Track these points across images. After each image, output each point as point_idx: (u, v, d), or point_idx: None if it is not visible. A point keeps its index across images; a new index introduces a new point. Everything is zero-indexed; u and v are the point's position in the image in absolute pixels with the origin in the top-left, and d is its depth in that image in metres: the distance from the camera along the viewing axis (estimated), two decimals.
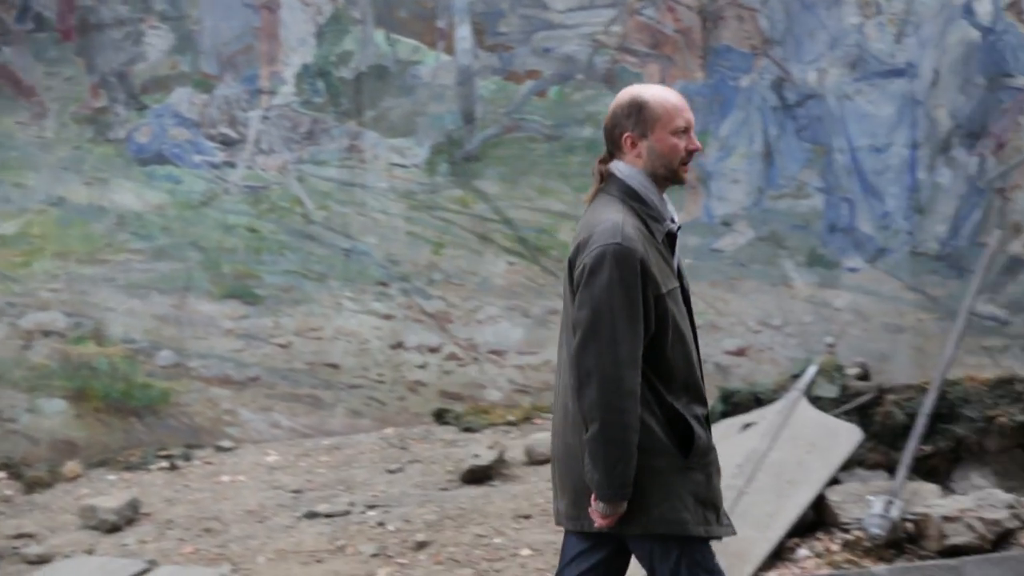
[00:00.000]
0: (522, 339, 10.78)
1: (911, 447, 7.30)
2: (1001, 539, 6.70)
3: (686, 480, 4.43)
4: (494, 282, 10.83)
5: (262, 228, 11.02)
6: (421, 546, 7.59)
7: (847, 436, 7.47)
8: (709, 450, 4.50)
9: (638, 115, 4.44)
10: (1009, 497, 6.97)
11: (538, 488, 8.37)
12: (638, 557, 4.60)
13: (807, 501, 7.01)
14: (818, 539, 7.00)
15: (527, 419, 10.15)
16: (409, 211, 10.91)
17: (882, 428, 7.71)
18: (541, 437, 9.16)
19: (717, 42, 10.49)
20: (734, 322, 10.55)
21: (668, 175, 4.47)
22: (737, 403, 8.11)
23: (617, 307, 4.28)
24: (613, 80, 10.58)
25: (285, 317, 10.99)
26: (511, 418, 10.19)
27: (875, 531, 6.63)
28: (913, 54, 10.18)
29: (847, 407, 7.80)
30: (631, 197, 4.44)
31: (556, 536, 7.43)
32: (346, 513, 8.33)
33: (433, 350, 10.86)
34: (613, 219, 4.35)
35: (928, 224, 10.21)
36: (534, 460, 8.92)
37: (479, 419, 10.21)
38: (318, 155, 10.99)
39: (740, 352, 10.52)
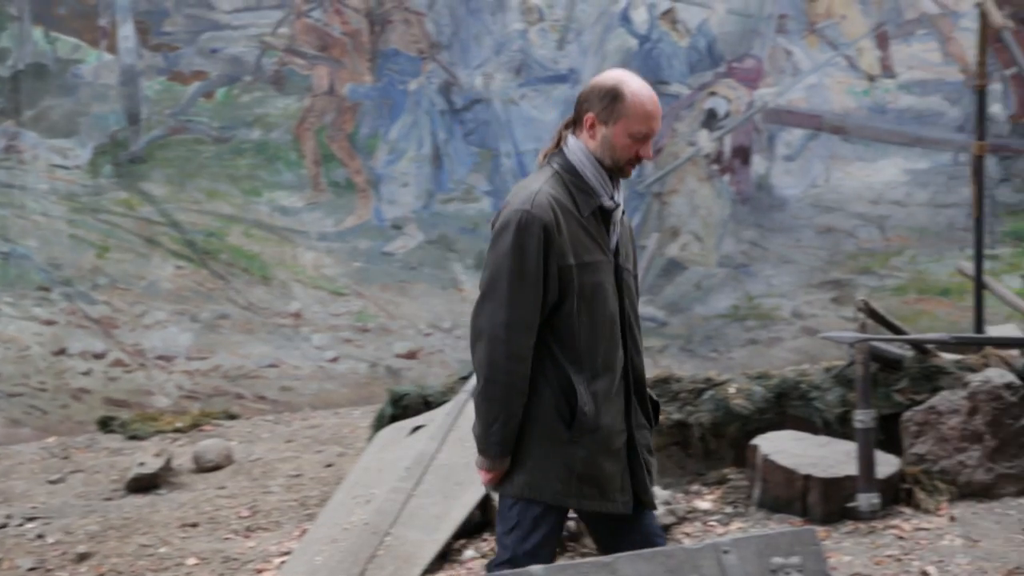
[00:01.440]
0: (191, 344, 10.59)
1: None
2: None
3: (564, 452, 4.45)
4: (161, 286, 10.60)
5: None
6: (82, 558, 7.35)
7: None
8: (596, 428, 4.46)
9: (610, 103, 4.45)
10: (665, 493, 7.19)
11: (206, 496, 8.23)
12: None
13: (474, 502, 7.06)
14: (484, 539, 7.06)
15: (196, 426, 9.97)
16: (72, 213, 10.58)
17: None
18: (210, 444, 9.01)
19: (385, 45, 10.53)
20: (405, 325, 10.60)
21: (612, 167, 4.48)
22: (407, 406, 8.10)
23: (513, 271, 4.34)
24: (281, 82, 10.51)
25: None
26: (179, 425, 9.99)
27: None
28: (575, 60, 10.43)
29: None
30: (566, 169, 4.48)
31: (223, 544, 7.32)
32: (3, 527, 8.02)
33: (98, 356, 10.57)
34: (532, 188, 4.42)
35: None
36: (202, 467, 8.76)
37: (146, 426, 9.97)
38: None
39: (411, 355, 10.58)
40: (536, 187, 4.42)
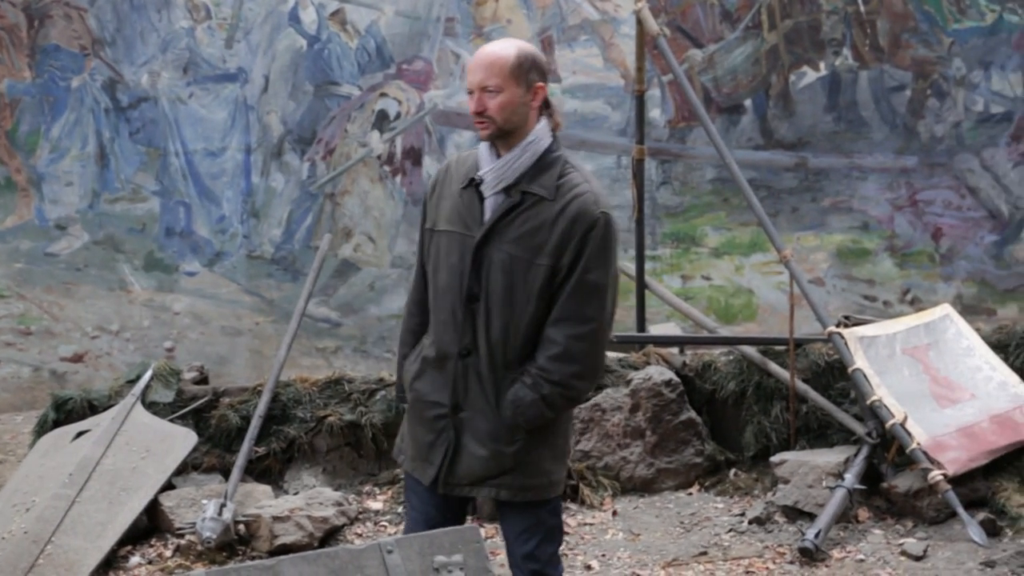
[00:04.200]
0: None
1: (245, 449, 7.38)
2: (329, 536, 6.92)
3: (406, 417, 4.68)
4: None
5: None
6: None
7: (182, 441, 7.45)
8: (411, 390, 4.57)
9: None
10: (337, 495, 7.21)
11: None
12: None
13: (140, 507, 6.94)
14: (151, 545, 6.95)
15: None
16: None
17: (217, 431, 7.76)
18: None
19: (45, 40, 10.22)
20: (70, 328, 10.32)
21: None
22: (71, 411, 7.90)
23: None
24: None
25: None
26: None
27: (207, 534, 6.65)
28: (244, 60, 10.33)
29: (182, 411, 7.79)
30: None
31: None
32: None
33: None
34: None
35: (263, 228, 10.40)
36: None
37: None
38: None
39: (77, 358, 10.31)
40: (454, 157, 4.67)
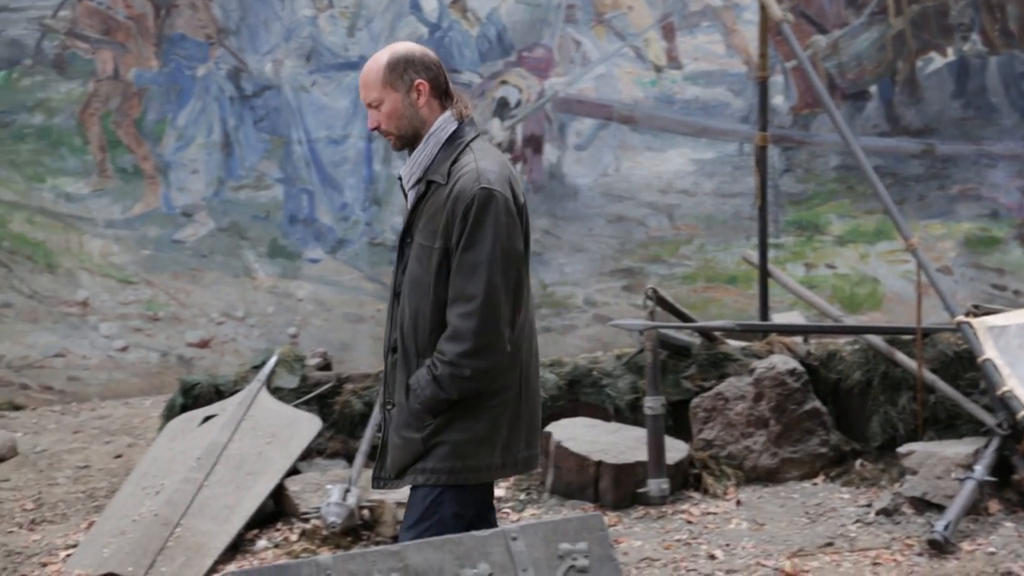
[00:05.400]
0: None
1: (368, 435, 7.42)
2: None
3: None
4: None
5: None
6: None
7: (307, 426, 7.53)
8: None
9: None
10: None
11: None
12: None
13: (266, 492, 7.02)
14: (277, 529, 7.02)
15: None
16: None
17: (341, 417, 7.83)
18: None
19: (171, 30, 10.37)
20: (196, 314, 10.46)
21: None
22: (198, 395, 8.03)
23: None
24: (63, 66, 10.28)
25: None
26: None
27: (332, 519, 6.70)
28: (365, 48, 10.39)
29: (307, 397, 7.87)
30: None
31: (7, 538, 7.16)
32: None
33: None
34: None
35: (385, 215, 10.47)
36: None
37: None
38: None
39: (203, 344, 10.45)
40: None
